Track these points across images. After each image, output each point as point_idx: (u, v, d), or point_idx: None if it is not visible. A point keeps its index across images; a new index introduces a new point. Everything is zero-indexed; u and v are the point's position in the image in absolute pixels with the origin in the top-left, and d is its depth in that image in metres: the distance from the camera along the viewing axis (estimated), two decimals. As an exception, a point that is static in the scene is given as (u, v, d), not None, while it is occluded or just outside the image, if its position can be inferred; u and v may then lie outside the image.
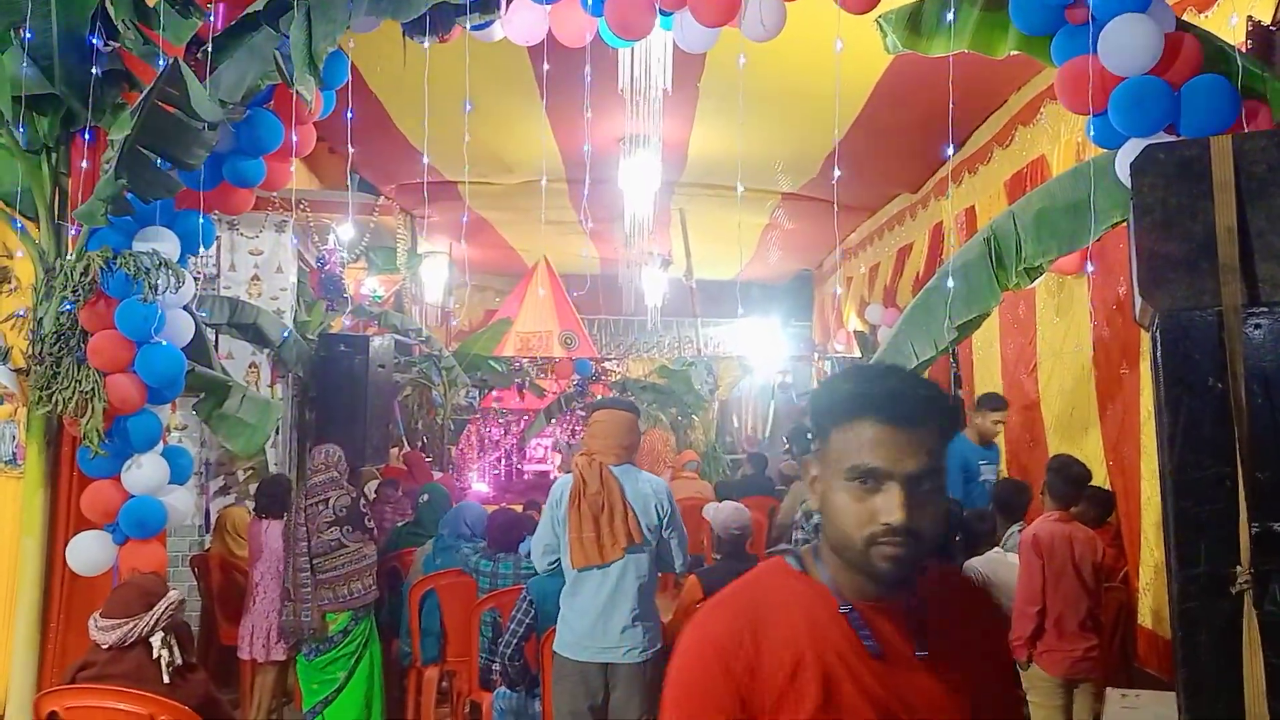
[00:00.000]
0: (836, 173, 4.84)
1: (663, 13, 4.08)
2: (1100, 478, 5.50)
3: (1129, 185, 3.18)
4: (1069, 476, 4.45)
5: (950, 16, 3.84)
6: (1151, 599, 4.87)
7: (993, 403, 6.26)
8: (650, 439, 9.80)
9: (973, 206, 7.48)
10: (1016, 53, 3.91)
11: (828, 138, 7.70)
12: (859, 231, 11.58)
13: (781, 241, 12.31)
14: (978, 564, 4.82)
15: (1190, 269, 2.59)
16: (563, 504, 3.97)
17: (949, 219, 8.04)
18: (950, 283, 4.20)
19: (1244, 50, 3.64)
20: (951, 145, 5.66)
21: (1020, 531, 4.65)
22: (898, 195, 9.88)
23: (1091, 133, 3.69)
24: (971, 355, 7.64)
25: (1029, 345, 6.59)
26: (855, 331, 11.12)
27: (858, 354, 10.95)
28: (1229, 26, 3.99)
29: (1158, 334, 2.58)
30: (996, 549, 4.89)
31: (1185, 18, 4.07)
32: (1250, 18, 3.80)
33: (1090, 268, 4.78)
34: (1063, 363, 6.10)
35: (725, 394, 15.86)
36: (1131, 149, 3.36)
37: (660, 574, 4.13)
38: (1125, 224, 3.56)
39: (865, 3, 3.89)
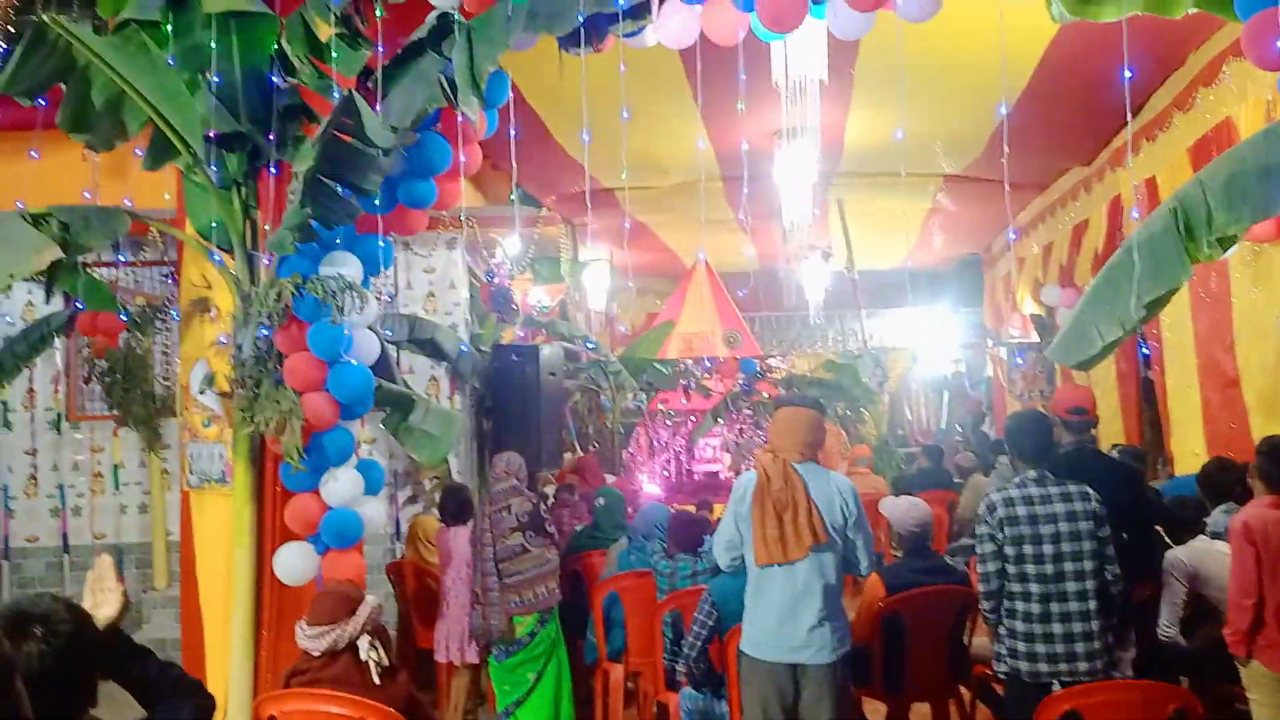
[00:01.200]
0: (1005, 150, 4.65)
1: (815, 2, 4.03)
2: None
3: (1334, 141, 2.96)
4: (1275, 456, 4.15)
5: (1122, -23, 3.64)
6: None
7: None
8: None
9: (1153, 177, 7.07)
10: (1195, 10, 3.68)
11: (991, 115, 7.43)
12: (1029, 210, 11.12)
13: (946, 225, 11.96)
14: (1181, 554, 4.55)
15: None
16: (746, 500, 3.96)
17: (1128, 191, 7.63)
18: (1135, 257, 3.98)
19: None
20: (1129, 113, 5.37)
21: (1228, 515, 4.36)
22: (1069, 169, 9.44)
23: (1287, 87, 3.43)
24: (1161, 333, 7.22)
25: (1224, 320, 6.18)
26: (1031, 315, 10.70)
27: (1034, 338, 10.54)
28: None
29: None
30: (1202, 537, 4.61)
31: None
32: None
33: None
34: (1264, 336, 5.69)
35: (895, 386, 15.54)
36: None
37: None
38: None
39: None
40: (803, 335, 15.33)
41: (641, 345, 11.79)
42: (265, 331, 4.27)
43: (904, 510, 4.97)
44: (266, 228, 4.36)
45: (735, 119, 5.86)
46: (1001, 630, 4.05)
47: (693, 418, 12.82)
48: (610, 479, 9.08)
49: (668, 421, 13.02)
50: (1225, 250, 3.99)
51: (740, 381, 12.27)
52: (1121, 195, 7.90)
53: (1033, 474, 4.07)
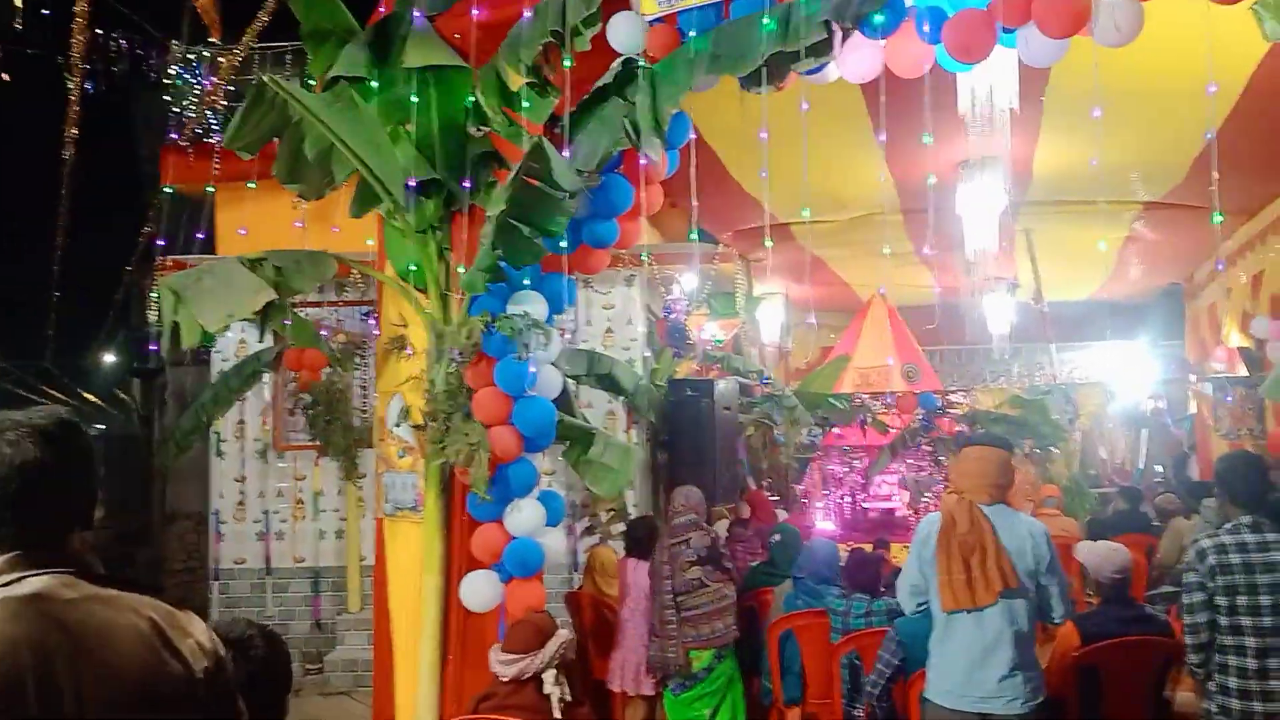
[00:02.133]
0: (1215, 175, 4.40)
1: (1004, 31, 3.93)
2: None
3: None
4: None
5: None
6: None
7: None
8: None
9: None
10: None
11: (1192, 139, 7.04)
12: (1236, 237, 10.43)
13: (1143, 255, 11.36)
14: None
15: None
16: (930, 543, 3.85)
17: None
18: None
19: None
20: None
21: None
22: (1281, 193, 8.82)
23: None
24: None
25: None
26: (1239, 348, 10.00)
27: (1243, 372, 9.84)
28: None
29: None
30: None
31: None
32: None
33: None
34: None
35: (1087, 423, 14.76)
36: None
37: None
38: None
39: (1236, -9, 3.54)
40: (986, 369, 14.79)
41: (816, 379, 11.65)
42: (457, 367, 4.46)
43: (1102, 555, 4.71)
44: (460, 269, 4.55)
45: (917, 150, 5.75)
46: (1212, 686, 3.79)
47: (869, 454, 12.56)
48: (782, 515, 8.98)
49: (843, 457, 12.80)
50: None
51: (919, 417, 11.95)
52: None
53: (1247, 519, 3.80)
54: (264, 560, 8.87)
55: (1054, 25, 3.75)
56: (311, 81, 5.71)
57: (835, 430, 12.23)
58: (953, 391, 13.52)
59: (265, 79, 4.33)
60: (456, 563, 4.72)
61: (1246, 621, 3.67)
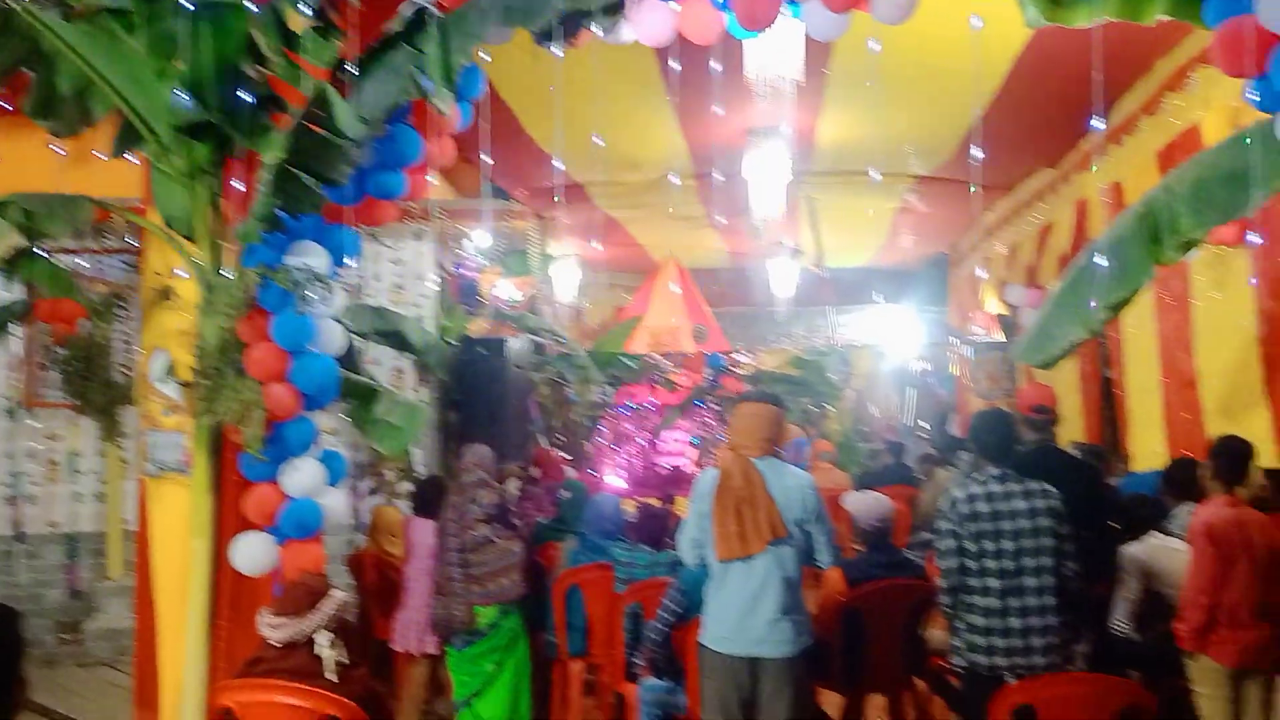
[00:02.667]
0: (979, 153, 4.70)
1: (791, 2, 4.04)
2: (1269, 459, 5.20)
3: (1295, 151, 3.01)
4: (1234, 457, 4.23)
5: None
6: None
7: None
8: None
9: (1119, 181, 7.16)
10: (1165, 17, 3.73)
11: (961, 117, 7.50)
12: (996, 211, 11.23)
13: (914, 225, 12.05)
14: (1137, 551, 4.62)
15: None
16: (707, 498, 3.98)
17: (1094, 195, 7.72)
18: (1100, 260, 4.03)
19: None
20: (1099, 117, 5.42)
21: (1189, 514, 4.43)
22: (1037, 171, 9.54)
23: (1251, 97, 3.48)
24: (1122, 335, 7.32)
25: (1185, 322, 6.27)
26: (996, 315, 10.80)
27: (999, 337, 10.64)
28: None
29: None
30: (1157, 534, 4.68)
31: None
32: None
33: (1253, 238, 4.51)
34: (1223, 339, 5.79)
35: (860, 383, 15.62)
36: (1296, 112, 3.17)
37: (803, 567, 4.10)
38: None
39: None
40: (770, 331, 15.37)
41: (609, 339, 11.80)
42: (229, 322, 4.22)
43: (867, 505, 5.01)
44: (234, 219, 4.30)
45: (709, 116, 5.87)
46: (959, 624, 4.11)
47: (659, 413, 12.86)
48: (571, 473, 9.07)
49: (634, 416, 13.05)
50: (1189, 253, 4.07)
51: (707, 376, 12.32)
52: (1087, 199, 7.99)
53: (995, 471, 4.12)
54: (14, 526, 8.21)
55: (835, -1, 3.89)
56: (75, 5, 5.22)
57: (627, 389, 12.45)
58: (738, 352, 14.00)
59: (12, 3, 3.93)
60: (227, 525, 4.51)
61: (991, 564, 3.99)
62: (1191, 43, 5.82)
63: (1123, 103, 7.09)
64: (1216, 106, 5.59)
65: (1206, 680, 4.03)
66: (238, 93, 4.35)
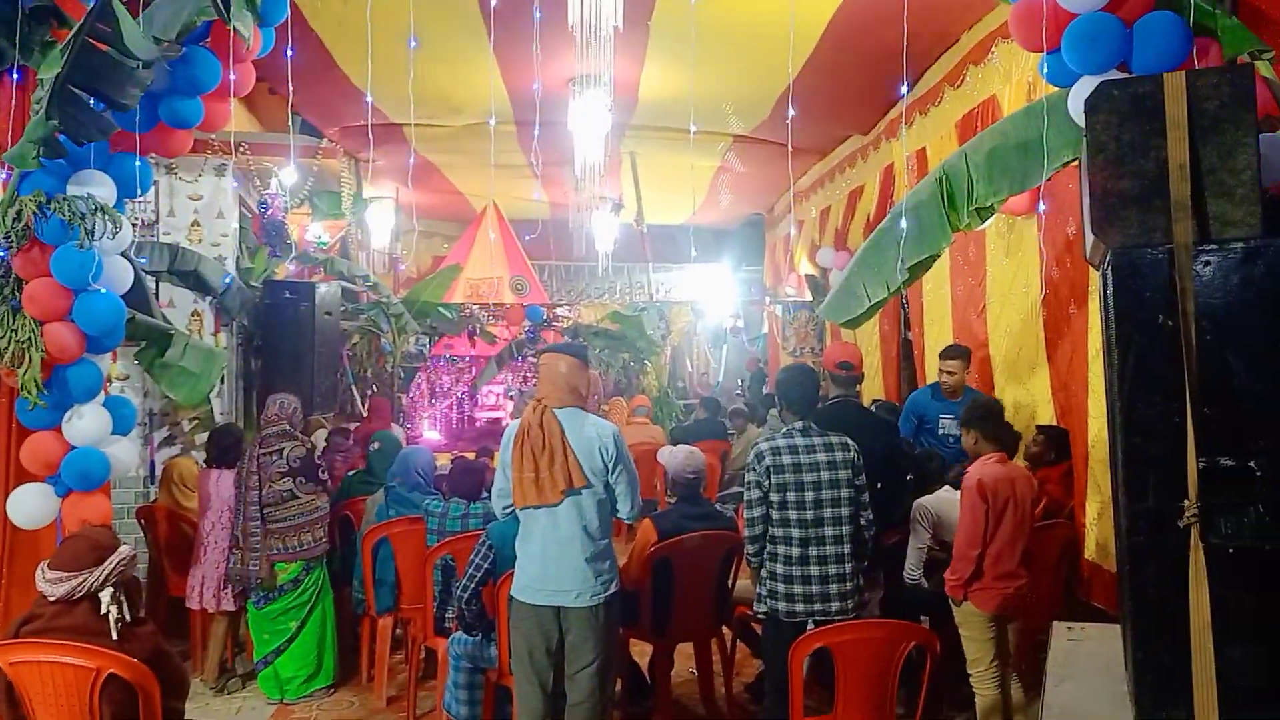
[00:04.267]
0: (791, 113, 4.79)
1: (613, -53, 3.98)
2: (1048, 417, 5.60)
3: (1081, 123, 3.19)
4: (994, 416, 4.50)
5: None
6: (1097, 534, 4.97)
7: (946, 352, 6.23)
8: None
9: (924, 148, 7.47)
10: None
11: (778, 79, 7.65)
12: (810, 174, 11.56)
13: (733, 185, 12.27)
14: (927, 503, 4.88)
15: (1142, 206, 2.60)
16: (508, 448, 3.96)
17: (900, 161, 8.04)
18: (903, 224, 4.20)
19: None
20: (905, 85, 5.62)
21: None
22: (849, 137, 9.85)
23: (1044, 70, 3.67)
24: (922, 297, 7.68)
25: (978, 286, 6.63)
26: (806, 275, 11.15)
27: (808, 297, 11.00)
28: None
29: (1108, 271, 2.60)
30: (947, 487, 4.96)
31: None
32: (1200, -46, 3.79)
33: (1041, 207, 4.79)
34: (1011, 303, 6.15)
35: (677, 339, 15.88)
36: (1084, 86, 3.36)
37: (614, 519, 4.12)
38: (1077, 163, 3.58)
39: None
40: (591, 286, 15.41)
41: (427, 289, 11.52)
42: (2, 254, 3.87)
43: (680, 459, 5.09)
44: (9, 140, 3.93)
45: (530, 62, 5.76)
46: (763, 573, 4.24)
47: (477, 364, 12.71)
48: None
49: (451, 367, 12.84)
50: (984, 220, 4.29)
51: (526, 329, 12.23)
52: (894, 164, 8.31)
53: (799, 425, 4.26)
54: None
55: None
56: None
57: (444, 340, 12.22)
58: (560, 305, 13.97)
59: None
60: (2, 476, 4.17)
61: (793, 515, 4.13)
62: (994, 17, 6.09)
63: (929, 73, 7.38)
64: (1015, 80, 5.89)
65: (970, 624, 4.32)
66: (12, 3, 3.97)
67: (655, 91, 8.53)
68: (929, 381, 6.88)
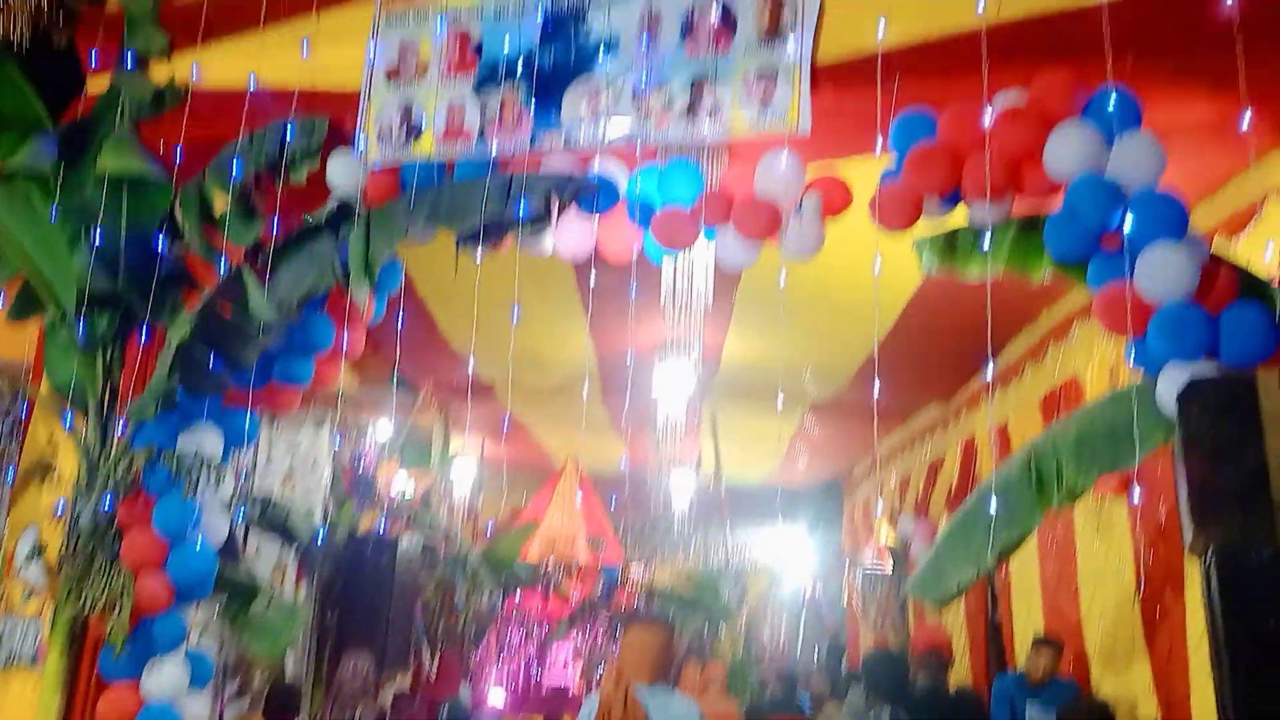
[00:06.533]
0: (876, 391, 4.87)
1: (706, 226, 4.23)
2: (1150, 713, 5.24)
3: (1172, 411, 3.19)
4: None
5: (986, 243, 3.94)
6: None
7: (1038, 644, 5.95)
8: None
9: (1006, 423, 7.47)
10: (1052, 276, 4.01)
11: (859, 347, 7.81)
12: (889, 441, 11.55)
13: (811, 448, 12.29)
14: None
15: (1244, 504, 2.56)
16: (588, 729, 3.81)
17: (983, 434, 8.02)
18: (992, 503, 4.14)
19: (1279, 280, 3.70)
20: (989, 361, 5.71)
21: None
22: (928, 405, 9.90)
23: (1131, 355, 3.71)
24: (1008, 576, 7.43)
25: (1069, 567, 6.41)
26: (887, 546, 10.93)
27: (889, 569, 10.73)
28: (1263, 254, 4.06)
29: (1211, 569, 2.53)
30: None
31: (1215, 242, 4.17)
32: (1284, 248, 3.88)
33: (1135, 492, 4.70)
34: (1104, 587, 5.91)
35: (754, 604, 15.47)
36: (1172, 374, 3.37)
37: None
38: (1167, 445, 3.54)
39: (902, 222, 4.02)
40: (667, 544, 15.26)
41: (504, 544, 11.52)
42: (109, 503, 4.02)
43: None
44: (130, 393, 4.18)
45: (621, 326, 6.00)
46: None
47: (548, 623, 12.49)
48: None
49: (522, 625, 12.63)
50: (1074, 501, 4.21)
51: (600, 588, 12.07)
52: (975, 438, 8.28)
53: (887, 713, 4.06)
54: None
55: (749, 227, 4.10)
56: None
57: (517, 596, 12.08)
58: (635, 562, 13.81)
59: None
60: (79, 728, 4.14)
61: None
62: (1075, 296, 6.22)
63: (1010, 347, 7.48)
64: (1097, 360, 5.93)
65: None
66: (150, 267, 4.32)
67: (737, 356, 8.76)
68: (1018, 665, 6.55)
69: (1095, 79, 3.67)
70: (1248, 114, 3.54)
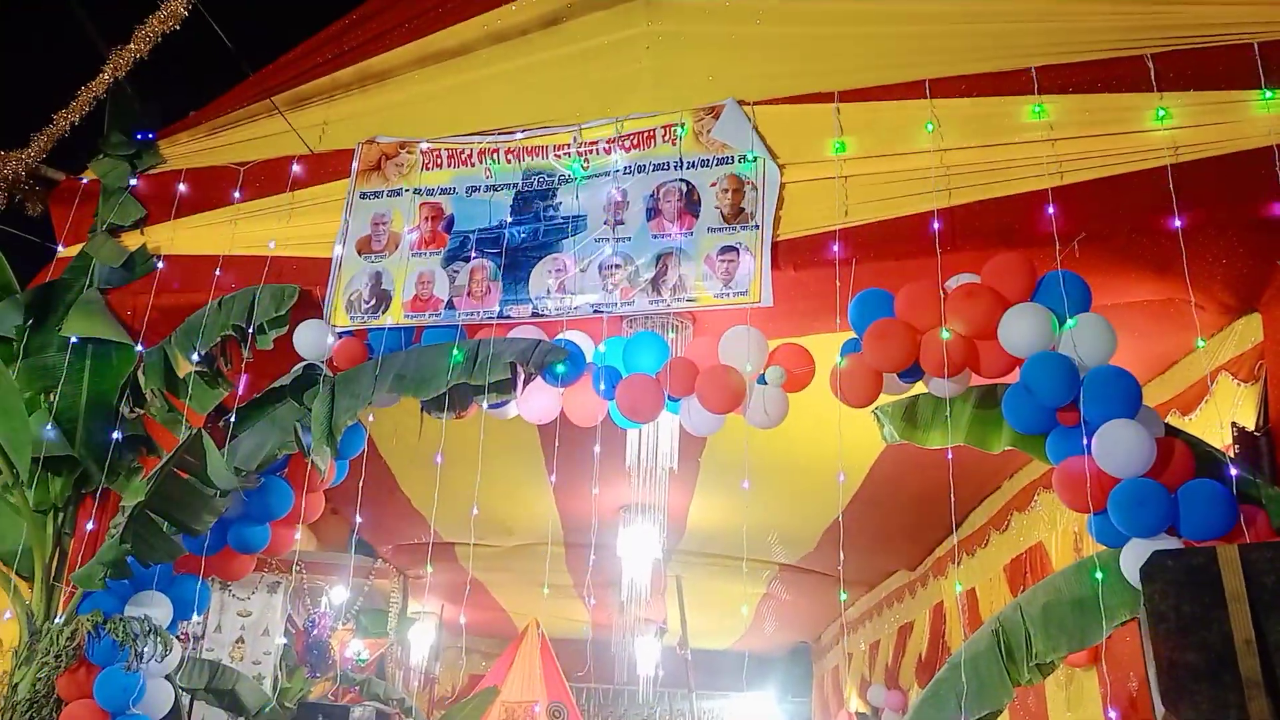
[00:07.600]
0: (840, 558, 4.84)
1: (671, 399, 4.27)
2: None
3: (1136, 585, 3.19)
4: None
5: (945, 413, 4.00)
6: None
7: None
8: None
9: (974, 589, 7.41)
10: (1011, 448, 4.06)
11: (824, 513, 7.79)
12: (857, 606, 11.39)
13: (778, 613, 12.09)
14: None
15: (1212, 680, 2.54)
16: None
17: (951, 600, 7.94)
18: (963, 677, 4.06)
19: (1233, 455, 3.76)
20: (951, 527, 5.71)
21: None
22: (895, 572, 9.82)
23: (1092, 529, 3.72)
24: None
25: (1042, 740, 6.26)
26: (858, 713, 10.64)
27: (861, 737, 10.41)
28: (1216, 429, 4.14)
29: (1186, 749, 2.48)
30: None
31: (1169, 419, 4.26)
32: (1235, 424, 3.96)
33: (1103, 664, 4.64)
34: (1080, 761, 5.77)
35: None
36: (1135, 549, 3.38)
37: None
38: (1133, 620, 3.51)
39: (863, 399, 4.08)
40: (631, 712, 14.78)
41: (461, 711, 11.09)
42: (48, 672, 3.86)
43: None
44: (79, 559, 4.07)
45: (584, 489, 5.94)
46: None
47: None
48: None
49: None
50: (1045, 675, 4.14)
51: (561, 759, 11.58)
52: (943, 603, 8.20)
53: None
54: None
55: (713, 402, 4.13)
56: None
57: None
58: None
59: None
60: None
61: None
62: (1034, 467, 6.27)
63: (973, 515, 7.49)
64: (1060, 529, 5.94)
65: None
66: (109, 430, 4.28)
67: (703, 520, 8.70)
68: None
69: (1044, 264, 3.81)
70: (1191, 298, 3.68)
